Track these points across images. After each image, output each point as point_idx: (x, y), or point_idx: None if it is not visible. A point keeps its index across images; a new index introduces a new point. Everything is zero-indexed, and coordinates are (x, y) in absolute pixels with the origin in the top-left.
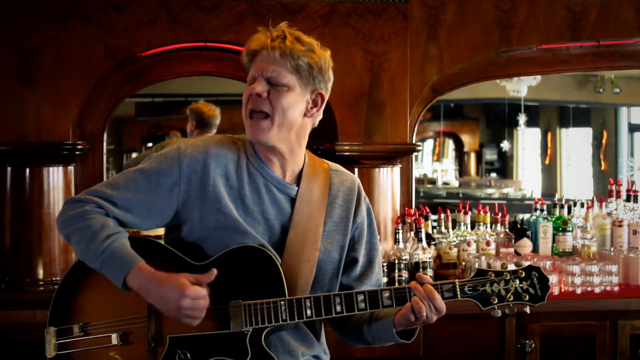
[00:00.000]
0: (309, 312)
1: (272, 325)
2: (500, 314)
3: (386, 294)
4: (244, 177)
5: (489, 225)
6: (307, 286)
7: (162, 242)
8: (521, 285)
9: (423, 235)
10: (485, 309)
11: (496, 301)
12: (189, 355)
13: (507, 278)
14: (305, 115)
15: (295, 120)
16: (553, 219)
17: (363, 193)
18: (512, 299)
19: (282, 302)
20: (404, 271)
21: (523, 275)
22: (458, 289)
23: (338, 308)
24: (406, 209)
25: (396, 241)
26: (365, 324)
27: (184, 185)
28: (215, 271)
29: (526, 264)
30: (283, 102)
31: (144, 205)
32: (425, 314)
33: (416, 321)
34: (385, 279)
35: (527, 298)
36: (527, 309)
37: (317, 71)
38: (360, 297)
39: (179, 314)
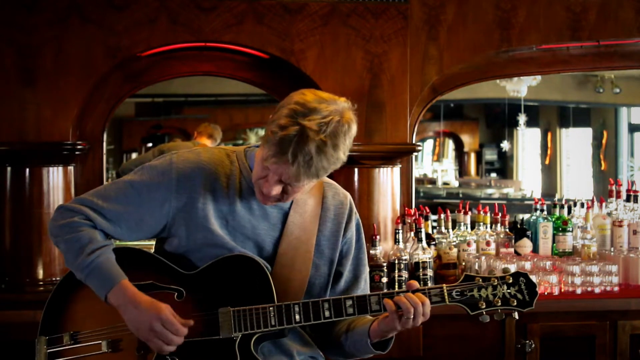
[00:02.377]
0: (297, 317)
1: (261, 331)
2: (488, 319)
3: (374, 299)
4: (236, 192)
5: (489, 226)
6: (298, 297)
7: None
8: (509, 290)
9: (423, 236)
10: (473, 313)
11: (484, 306)
12: None
13: (495, 284)
14: None
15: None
16: (553, 219)
17: (354, 208)
18: (500, 304)
19: (271, 308)
20: (404, 271)
21: (510, 281)
22: (446, 294)
23: (327, 313)
24: (406, 209)
25: (396, 241)
26: (343, 335)
27: (174, 202)
28: (191, 322)
29: (514, 269)
30: (297, 190)
31: (133, 219)
32: (412, 316)
33: (399, 324)
34: (385, 279)
35: (515, 303)
36: (515, 315)
37: (340, 162)
38: (349, 303)
39: (149, 336)
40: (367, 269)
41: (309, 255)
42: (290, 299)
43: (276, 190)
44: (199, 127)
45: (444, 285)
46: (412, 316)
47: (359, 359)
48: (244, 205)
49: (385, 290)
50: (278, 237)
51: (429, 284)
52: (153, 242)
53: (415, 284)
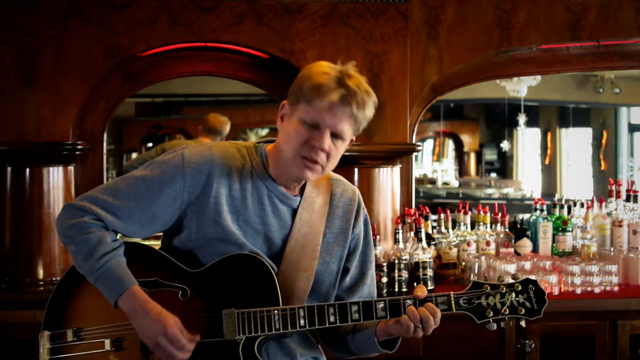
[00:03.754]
0: (302, 321)
1: (265, 335)
2: (495, 327)
3: (380, 305)
4: (247, 187)
5: (488, 225)
6: (303, 295)
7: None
8: (517, 298)
9: (423, 235)
10: (480, 322)
11: (491, 314)
12: None
13: (503, 291)
14: None
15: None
16: (553, 219)
17: (362, 204)
18: (507, 312)
19: (275, 312)
20: (403, 271)
21: (519, 288)
22: (453, 302)
23: (332, 318)
24: (406, 209)
25: (396, 241)
26: (349, 334)
27: (186, 195)
28: (198, 338)
29: (523, 277)
30: (337, 155)
31: (145, 215)
32: (420, 326)
33: (412, 332)
34: (385, 279)
35: (523, 312)
36: (523, 323)
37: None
38: (354, 308)
39: (154, 347)
40: (373, 265)
41: (314, 254)
42: (296, 297)
43: (329, 143)
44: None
45: (452, 292)
46: (420, 325)
47: (361, 357)
48: (255, 200)
49: (390, 297)
50: (287, 233)
51: (429, 284)
52: (159, 243)
53: (424, 290)
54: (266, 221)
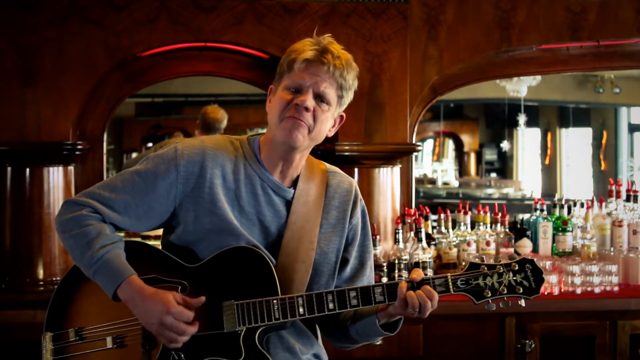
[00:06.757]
0: (301, 310)
1: (265, 324)
2: (494, 308)
3: (378, 290)
4: (241, 178)
5: (489, 225)
6: (302, 286)
7: (159, 243)
8: (514, 278)
9: (423, 235)
10: (479, 302)
11: (489, 294)
12: (182, 356)
13: (501, 271)
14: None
15: (323, 136)
16: (553, 219)
17: (360, 195)
18: (505, 292)
19: (274, 301)
20: (404, 271)
21: (516, 268)
22: (451, 283)
23: (330, 305)
24: (406, 209)
25: (396, 241)
26: (349, 321)
27: (180, 187)
28: (203, 298)
29: (520, 257)
30: (323, 119)
31: (141, 208)
32: (417, 310)
33: (407, 313)
34: (385, 279)
35: (521, 291)
36: (522, 302)
37: (351, 94)
38: (353, 294)
39: (159, 330)
40: (372, 256)
41: (311, 245)
42: (295, 289)
43: (312, 102)
44: (202, 109)
45: (449, 274)
46: (418, 310)
47: (362, 345)
48: (249, 190)
49: (388, 281)
50: (282, 224)
51: None
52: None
53: (420, 273)
54: (260, 211)
